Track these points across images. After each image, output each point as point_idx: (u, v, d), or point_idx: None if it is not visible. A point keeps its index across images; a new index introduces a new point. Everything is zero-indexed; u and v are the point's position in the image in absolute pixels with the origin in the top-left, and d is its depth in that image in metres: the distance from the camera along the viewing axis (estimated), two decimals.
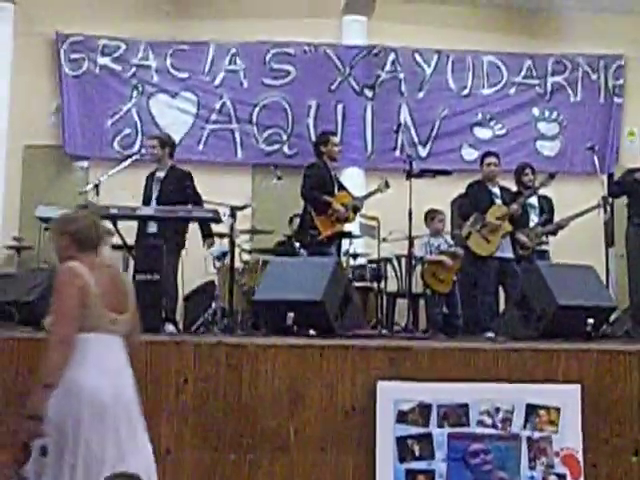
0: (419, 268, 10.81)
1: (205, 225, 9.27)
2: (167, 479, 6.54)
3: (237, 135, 13.36)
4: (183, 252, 9.25)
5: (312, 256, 9.03)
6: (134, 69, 13.37)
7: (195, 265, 10.07)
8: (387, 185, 9.42)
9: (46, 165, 13.24)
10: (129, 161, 9.73)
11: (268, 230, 11.13)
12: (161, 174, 9.48)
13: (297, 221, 11.05)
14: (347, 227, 9.84)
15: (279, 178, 10.82)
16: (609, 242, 10.48)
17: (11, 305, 8.30)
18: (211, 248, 9.73)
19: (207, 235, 9.41)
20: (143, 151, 9.63)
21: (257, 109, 13.40)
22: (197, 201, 9.33)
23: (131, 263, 9.28)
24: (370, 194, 9.52)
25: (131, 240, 9.01)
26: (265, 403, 6.63)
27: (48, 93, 13.32)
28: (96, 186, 9.36)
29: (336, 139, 9.86)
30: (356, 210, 9.49)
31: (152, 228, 8.96)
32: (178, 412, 6.61)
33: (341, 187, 9.55)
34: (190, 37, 13.44)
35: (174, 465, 6.57)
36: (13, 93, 13.23)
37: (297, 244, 10.49)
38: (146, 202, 9.23)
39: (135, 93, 13.33)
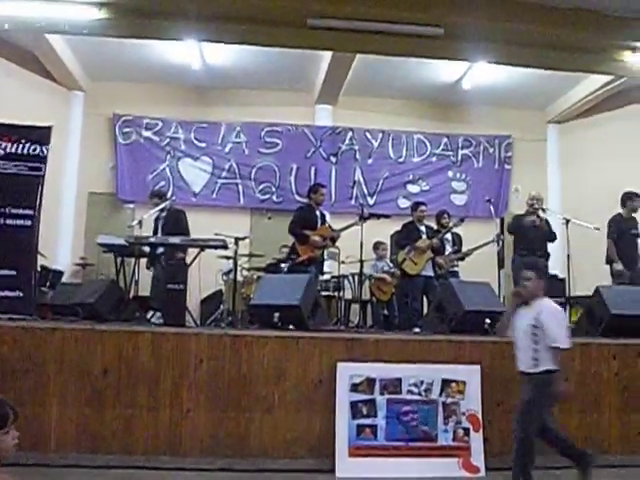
0: (367, 282, 10.84)
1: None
2: (188, 430, 6.54)
3: (240, 187, 13.36)
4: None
5: (294, 273, 8.97)
6: (168, 140, 13.36)
7: (209, 278, 10.05)
8: (364, 220, 9.35)
9: (104, 206, 13.20)
10: (163, 204, 9.72)
11: (261, 254, 11.12)
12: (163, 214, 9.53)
13: (284, 250, 11.12)
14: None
15: (269, 218, 10.85)
16: (500, 265, 10.55)
17: (77, 306, 8.25)
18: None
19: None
20: (174, 198, 9.61)
21: (254, 169, 13.41)
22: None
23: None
24: (345, 227, 9.40)
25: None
26: (257, 377, 6.62)
27: (106, 156, 13.29)
28: (140, 222, 9.35)
29: (323, 190, 9.80)
30: (334, 240, 9.42)
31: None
32: (196, 383, 6.59)
33: (324, 223, 9.48)
34: (208, 118, 13.47)
35: (193, 420, 6.54)
36: (82, 155, 13.22)
37: (282, 265, 10.49)
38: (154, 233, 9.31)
39: (168, 157, 13.32)
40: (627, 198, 9.55)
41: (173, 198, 10.21)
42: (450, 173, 14.03)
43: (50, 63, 12.01)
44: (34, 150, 8.24)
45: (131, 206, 11.95)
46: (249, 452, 6.49)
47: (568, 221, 9.48)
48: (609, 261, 9.36)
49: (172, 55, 11.91)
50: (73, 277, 12.17)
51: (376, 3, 9.22)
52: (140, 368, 6.63)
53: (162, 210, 9.57)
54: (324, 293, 10.53)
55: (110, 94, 13.33)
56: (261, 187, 13.40)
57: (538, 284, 5.67)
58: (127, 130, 13.31)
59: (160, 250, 9.08)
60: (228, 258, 9.84)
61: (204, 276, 9.58)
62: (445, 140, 14.09)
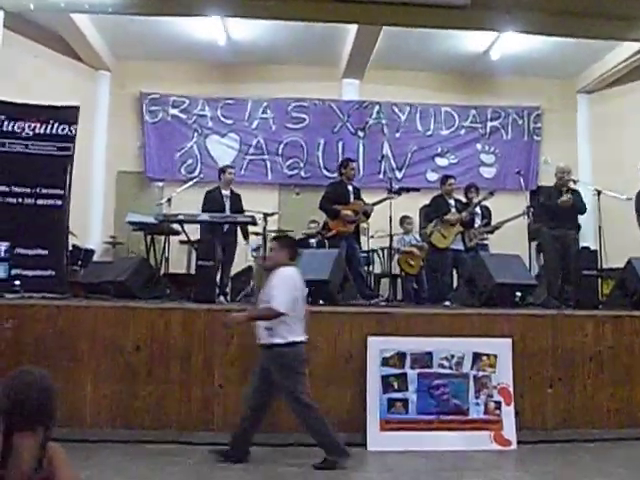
0: (396, 256, 10.83)
1: (244, 229, 9.31)
2: (220, 405, 6.60)
3: (268, 163, 13.35)
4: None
5: (331, 248, 8.94)
6: (195, 117, 13.36)
7: (240, 255, 10.08)
8: (396, 194, 9.29)
9: (133, 185, 13.26)
10: (192, 182, 9.75)
11: (290, 230, 11.12)
12: (227, 192, 9.52)
13: (313, 225, 11.12)
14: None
15: (297, 194, 10.83)
16: (531, 238, 10.48)
17: (109, 284, 8.32)
18: (248, 244, 9.76)
19: (245, 235, 9.45)
20: (201, 175, 9.63)
21: (282, 145, 13.38)
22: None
23: (193, 254, 9.36)
24: (379, 202, 9.31)
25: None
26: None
27: (134, 134, 13.33)
28: (169, 200, 9.40)
29: (354, 164, 9.72)
30: (367, 214, 9.37)
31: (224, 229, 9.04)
32: (227, 359, 6.65)
33: (357, 197, 9.43)
34: (234, 95, 13.44)
35: (224, 396, 6.61)
36: (109, 134, 13.28)
37: (311, 240, 10.50)
38: (219, 210, 9.25)
39: (196, 134, 13.32)
40: None
41: (201, 176, 10.19)
42: (479, 145, 13.89)
43: (76, 43, 12.04)
44: (62, 130, 8.31)
45: (160, 184, 11.98)
46: (281, 427, 6.54)
47: (599, 192, 9.35)
48: None
49: (197, 32, 11.88)
50: (104, 255, 12.26)
51: None
52: (172, 344, 6.71)
53: (221, 190, 9.55)
54: None
55: (136, 73, 13.35)
56: (289, 163, 13.38)
57: (280, 254, 5.85)
58: (154, 108, 13.34)
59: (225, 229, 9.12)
60: (257, 234, 9.86)
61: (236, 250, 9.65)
62: (473, 112, 13.95)
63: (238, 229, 9.34)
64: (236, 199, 9.60)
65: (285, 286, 5.62)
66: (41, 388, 2.64)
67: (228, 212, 9.29)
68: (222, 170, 9.88)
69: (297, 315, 5.68)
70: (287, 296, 5.56)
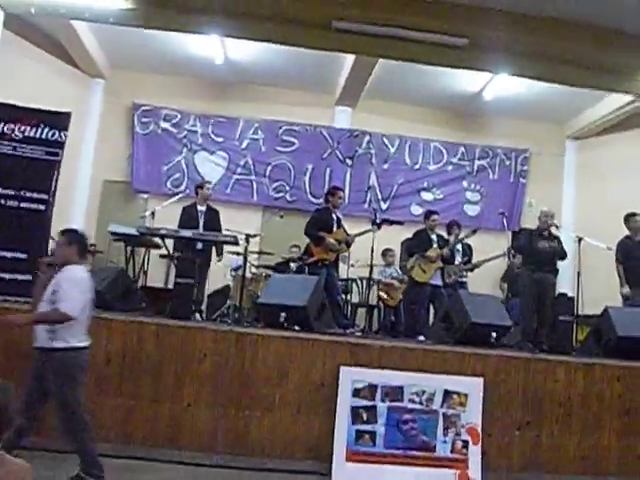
0: (376, 287, 10.86)
1: (219, 246, 9.34)
2: (188, 423, 6.56)
3: (254, 184, 13.36)
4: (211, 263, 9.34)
5: (310, 274, 8.95)
6: (185, 132, 13.37)
7: (218, 273, 10.08)
8: (378, 227, 9.32)
9: (118, 195, 13.21)
10: (177, 197, 9.74)
11: (271, 252, 11.13)
12: (202, 208, 9.54)
13: (294, 249, 11.14)
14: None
15: (281, 217, 10.82)
16: (504, 280, 10.55)
17: None
18: (220, 261, 9.80)
19: (218, 252, 9.48)
20: (187, 191, 9.64)
21: (270, 167, 13.40)
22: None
23: (172, 269, 9.35)
24: (361, 233, 9.34)
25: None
26: (260, 375, 6.66)
27: (123, 144, 13.31)
28: (152, 213, 9.39)
29: (341, 193, 9.79)
30: (348, 244, 9.38)
31: (198, 245, 9.01)
32: (198, 378, 6.63)
33: (339, 226, 9.44)
34: (226, 113, 13.47)
35: (193, 414, 6.58)
36: (99, 143, 13.25)
37: (291, 264, 10.52)
38: (193, 226, 9.23)
39: (185, 149, 13.32)
40: (626, 219, 9.57)
41: (187, 192, 10.19)
42: (465, 183, 13.98)
43: (73, 49, 12.05)
44: (52, 135, 8.29)
45: (145, 196, 11.94)
46: (247, 450, 6.53)
47: (581, 239, 9.44)
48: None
49: (195, 48, 11.94)
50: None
51: (402, 10, 9.22)
52: (143, 359, 6.68)
53: (197, 205, 9.56)
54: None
55: (131, 83, 13.36)
56: (275, 185, 13.40)
57: (68, 250, 5.42)
58: (145, 120, 13.34)
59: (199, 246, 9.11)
60: (238, 254, 9.85)
61: (213, 270, 9.64)
62: (462, 149, 14.05)
63: (213, 247, 9.38)
64: (213, 215, 9.64)
65: (77, 289, 5.23)
66: None
67: (201, 228, 9.33)
68: (199, 186, 9.95)
69: (83, 319, 5.30)
70: (79, 300, 5.20)
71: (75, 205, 12.88)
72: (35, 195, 8.07)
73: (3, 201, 8.03)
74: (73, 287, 5.20)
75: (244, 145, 13.47)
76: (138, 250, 9.78)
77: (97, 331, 6.69)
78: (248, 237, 9.14)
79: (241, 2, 9.34)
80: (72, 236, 5.57)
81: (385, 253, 11.13)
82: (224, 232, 9.34)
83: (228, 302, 10.05)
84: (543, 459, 6.87)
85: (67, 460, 6.09)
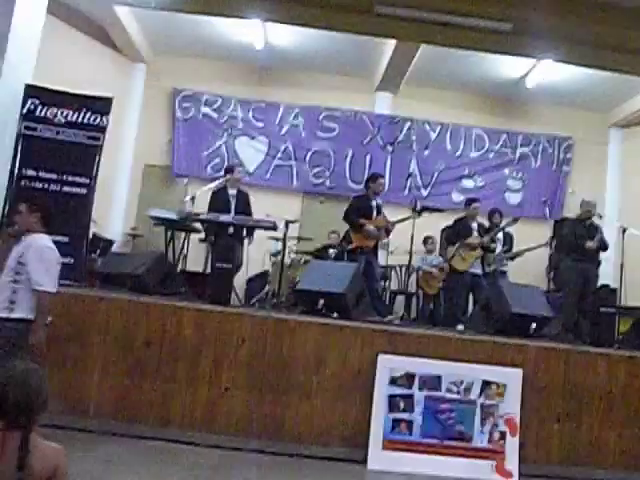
0: (415, 275, 10.81)
1: (249, 230, 9.26)
2: (225, 408, 6.60)
3: (294, 170, 13.34)
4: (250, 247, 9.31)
5: (350, 261, 8.92)
6: (226, 117, 13.39)
7: (257, 258, 10.09)
8: (419, 214, 9.25)
9: (158, 179, 13.31)
10: (217, 182, 9.75)
11: (310, 238, 11.13)
12: (233, 192, 9.50)
13: (333, 235, 11.11)
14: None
15: (321, 202, 10.82)
16: (551, 268, 10.41)
17: (125, 276, 8.34)
18: (251, 243, 9.55)
19: (249, 234, 9.38)
20: (228, 176, 9.62)
21: (310, 153, 13.37)
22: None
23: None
24: (401, 220, 9.26)
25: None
26: (297, 362, 6.65)
27: (164, 129, 13.38)
28: (192, 198, 9.41)
29: (382, 180, 9.67)
30: (388, 231, 9.32)
31: (230, 230, 8.95)
32: (236, 362, 6.65)
33: (379, 213, 9.35)
34: (267, 98, 13.46)
35: (230, 399, 6.60)
36: (140, 127, 13.35)
37: (330, 250, 10.49)
38: (224, 210, 9.19)
39: (225, 134, 13.35)
40: None
41: (227, 177, 10.15)
42: (507, 171, 13.81)
43: (115, 34, 12.12)
44: (94, 120, 8.36)
45: (185, 181, 12.00)
46: (283, 436, 6.54)
47: (625, 230, 9.28)
48: None
49: (235, 33, 11.93)
50: (123, 247, 12.32)
51: None
52: (182, 343, 6.72)
53: (227, 189, 9.53)
54: None
55: (172, 68, 13.42)
56: (315, 171, 13.37)
57: (29, 217, 5.14)
58: (186, 105, 13.40)
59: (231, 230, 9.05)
60: (277, 239, 9.86)
61: (252, 255, 9.64)
62: (504, 137, 13.88)
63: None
64: (243, 199, 9.56)
65: (48, 262, 5.03)
66: (22, 385, 2.47)
67: (233, 212, 9.27)
68: (229, 169, 9.85)
69: None
70: (52, 273, 5.03)
71: (116, 189, 13.01)
72: (77, 179, 8.16)
73: (46, 185, 8.13)
74: (44, 260, 5.01)
75: (284, 130, 13.46)
76: (178, 234, 9.83)
77: (137, 315, 6.79)
78: (288, 223, 9.14)
79: None
80: (35, 203, 5.25)
81: (426, 241, 11.04)
82: (264, 217, 9.30)
83: (267, 287, 10.08)
84: (582, 452, 6.78)
85: (96, 441, 6.20)
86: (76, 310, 6.79)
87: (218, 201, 9.38)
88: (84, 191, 8.18)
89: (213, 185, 9.70)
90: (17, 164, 8.21)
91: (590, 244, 8.71)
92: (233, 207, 9.36)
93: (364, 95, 13.57)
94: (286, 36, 11.87)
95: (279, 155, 13.39)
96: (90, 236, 9.93)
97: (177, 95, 13.40)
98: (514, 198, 13.70)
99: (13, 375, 2.50)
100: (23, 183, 8.17)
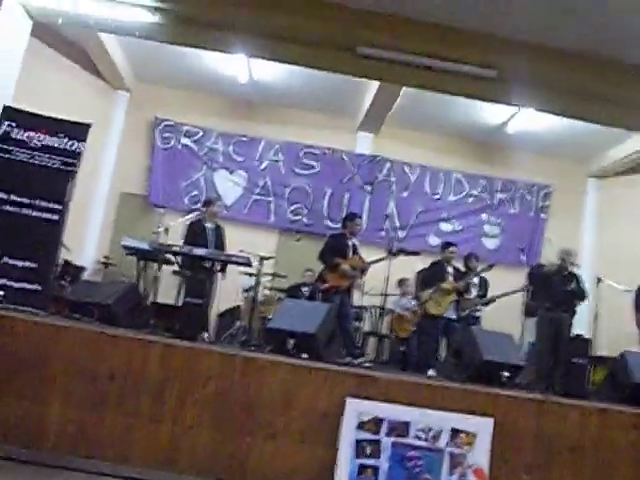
0: (389, 317, 10.72)
1: (223, 265, 9.17)
2: (187, 448, 6.41)
3: (272, 206, 13.28)
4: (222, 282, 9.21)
5: (323, 301, 8.82)
6: (206, 149, 13.35)
7: (229, 293, 9.97)
8: (394, 255, 9.20)
9: (135, 208, 13.18)
10: (192, 215, 9.65)
11: (284, 275, 11.03)
12: (211, 225, 9.42)
13: (308, 273, 11.01)
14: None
15: (298, 240, 10.77)
16: (527, 314, 10.35)
17: (94, 305, 8.18)
18: (224, 279, 9.52)
19: (222, 270, 9.31)
20: (206, 208, 9.54)
21: (288, 189, 13.33)
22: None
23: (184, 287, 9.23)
24: (376, 261, 9.22)
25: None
26: (264, 402, 6.49)
27: (143, 158, 13.30)
28: (166, 229, 9.30)
29: (359, 220, 9.65)
30: (363, 271, 9.24)
31: (207, 264, 8.86)
32: (201, 400, 6.47)
33: (355, 253, 9.30)
34: (248, 132, 13.44)
35: (194, 437, 6.42)
36: (119, 155, 13.27)
37: (303, 289, 10.40)
38: (201, 244, 9.07)
39: (204, 167, 13.30)
40: None
41: (203, 209, 10.06)
42: (484, 216, 13.85)
43: (99, 60, 12.08)
44: (71, 146, 8.24)
45: (162, 211, 11.89)
46: (247, 477, 6.36)
47: (599, 280, 9.28)
48: None
49: (220, 66, 11.94)
50: (94, 275, 12.16)
51: (430, 39, 9.15)
52: (147, 377, 6.53)
53: (204, 222, 9.44)
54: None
55: (154, 97, 13.38)
56: (293, 208, 13.31)
57: None
58: (167, 135, 13.33)
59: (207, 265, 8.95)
60: (251, 275, 9.76)
61: (224, 290, 9.52)
62: (483, 182, 13.94)
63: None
64: (220, 233, 9.50)
65: None
66: None
67: (212, 246, 9.17)
68: (209, 202, 9.78)
69: None
70: None
71: (91, 216, 12.89)
72: (49, 205, 8.00)
73: (17, 208, 7.98)
74: None
75: (264, 166, 13.43)
76: (151, 265, 9.69)
77: (102, 346, 6.61)
78: (262, 259, 9.06)
79: (268, 23, 9.31)
80: None
81: (401, 283, 10.99)
82: (238, 252, 9.21)
83: (238, 323, 9.96)
84: None
85: (52, 476, 6.00)
86: (39, 338, 6.59)
87: (194, 234, 9.28)
88: (55, 217, 8.01)
89: (189, 217, 9.61)
90: None
91: (572, 286, 8.69)
92: (211, 241, 9.27)
93: (346, 134, 13.59)
94: (270, 72, 11.90)
95: (257, 190, 13.34)
96: (61, 262, 9.78)
97: (158, 124, 13.34)
98: (491, 243, 13.72)
99: None
100: None
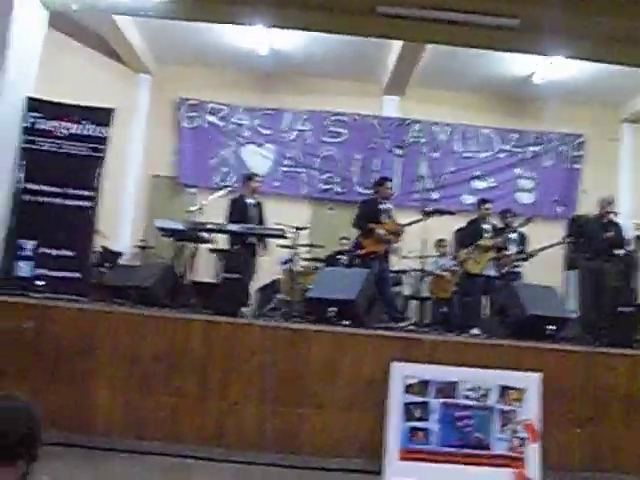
0: (428, 279, 10.63)
1: (263, 239, 9.13)
2: (234, 424, 6.43)
3: (303, 176, 13.20)
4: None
5: (361, 267, 8.74)
6: (232, 126, 13.28)
7: (267, 266, 9.93)
8: (429, 216, 9.11)
9: (166, 190, 13.20)
10: (224, 191, 9.63)
11: (320, 245, 10.97)
12: (251, 200, 9.40)
13: (344, 241, 10.94)
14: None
15: (331, 209, 10.69)
16: (568, 267, 10.20)
17: (133, 289, 8.22)
18: (266, 255, 9.50)
19: (264, 247, 9.27)
20: (236, 184, 9.51)
21: (318, 159, 13.23)
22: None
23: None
24: (410, 223, 9.11)
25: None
26: (309, 372, 6.50)
27: (170, 139, 13.29)
28: (200, 208, 9.28)
29: (390, 183, 9.54)
30: (398, 234, 9.15)
31: (247, 240, 8.85)
32: (245, 375, 6.49)
33: (389, 217, 9.20)
34: (273, 105, 13.34)
35: (239, 413, 6.44)
36: (146, 138, 13.26)
37: (341, 257, 10.35)
38: (243, 219, 9.08)
39: (232, 143, 13.24)
40: None
41: (235, 185, 10.05)
42: (518, 170, 13.61)
43: (118, 45, 12.02)
44: (96, 131, 8.26)
45: (193, 190, 11.90)
46: (297, 448, 6.37)
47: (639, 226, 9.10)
48: None
49: (239, 40, 11.82)
50: (132, 259, 12.21)
51: None
52: (191, 356, 6.56)
53: (245, 198, 9.43)
54: None
55: (176, 77, 13.32)
56: (324, 177, 13.21)
57: None
58: (192, 114, 13.29)
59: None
60: (287, 247, 9.71)
61: (262, 264, 9.50)
62: (515, 136, 13.69)
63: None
64: (261, 208, 9.48)
65: None
66: (27, 418, 2.40)
67: (251, 221, 9.14)
68: (248, 177, 9.75)
69: None
70: None
71: (124, 200, 12.92)
72: (80, 192, 8.06)
73: (49, 199, 8.03)
74: None
75: (292, 137, 13.33)
76: (187, 245, 9.70)
77: (144, 328, 6.65)
78: (297, 230, 9.01)
79: None
80: None
81: (438, 244, 10.87)
82: (271, 224, 9.19)
83: (277, 296, 9.94)
84: (606, 457, 6.56)
85: (104, 459, 6.05)
86: (83, 325, 6.65)
87: (236, 209, 9.27)
88: (87, 204, 8.06)
89: (220, 194, 9.59)
90: (20, 179, 8.11)
91: (610, 234, 8.53)
92: (252, 217, 9.25)
93: (371, 99, 13.42)
94: (290, 41, 11.75)
95: (287, 162, 13.25)
96: (99, 249, 9.84)
97: (182, 104, 13.30)
98: (526, 198, 13.50)
99: (18, 407, 2.39)
100: (27, 198, 8.07)
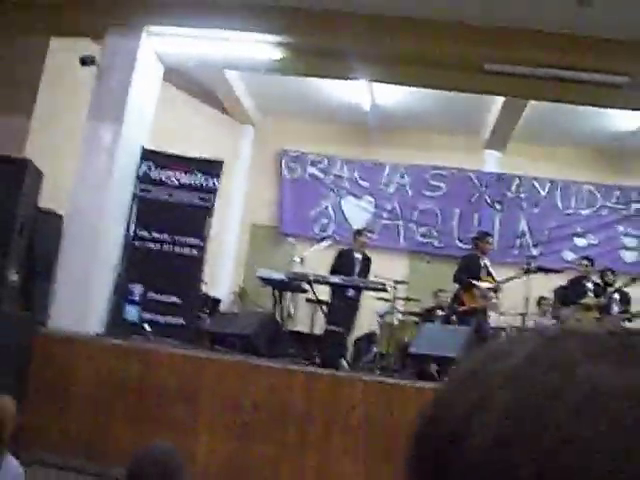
0: None
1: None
2: (335, 476, 6.37)
3: (401, 229, 13.19)
4: None
5: (460, 323, 8.67)
6: (332, 177, 13.43)
7: (363, 319, 9.92)
8: (530, 273, 8.98)
9: (265, 238, 13.40)
10: (326, 243, 9.72)
11: (417, 299, 10.89)
12: (359, 255, 9.45)
13: (441, 294, 10.84)
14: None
15: (428, 262, 10.63)
16: None
17: (234, 336, 8.31)
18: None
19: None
20: (335, 236, 9.59)
21: (417, 212, 13.21)
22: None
23: (318, 314, 9.26)
24: (509, 279, 9.03)
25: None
26: (411, 427, 6.39)
27: (271, 189, 13.52)
28: (302, 259, 9.38)
29: (490, 239, 9.53)
30: (496, 291, 9.06)
31: (349, 293, 8.89)
32: (347, 428, 6.43)
33: (488, 273, 9.13)
34: (372, 158, 13.44)
35: (341, 466, 6.38)
36: (248, 188, 13.53)
37: (439, 311, 10.25)
38: (348, 272, 9.14)
39: (332, 194, 13.38)
40: None
41: (335, 237, 10.13)
42: (621, 227, 13.24)
43: (225, 97, 12.39)
44: (206, 182, 8.48)
45: (293, 240, 12.03)
46: None
47: None
48: None
49: (342, 93, 11.99)
50: (230, 306, 12.38)
51: (556, 49, 8.87)
52: (291, 406, 6.57)
53: (353, 252, 9.53)
54: None
55: (278, 129, 13.59)
56: (422, 230, 13.17)
57: None
58: (293, 165, 13.51)
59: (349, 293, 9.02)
60: (385, 300, 9.69)
61: (359, 316, 9.50)
62: (617, 192, 13.35)
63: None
64: (367, 263, 9.51)
65: None
66: (160, 465, 2.46)
67: (356, 275, 9.17)
68: (358, 232, 9.82)
69: None
70: None
71: (224, 248, 13.14)
72: (189, 240, 8.26)
73: (159, 245, 8.25)
74: None
75: (391, 190, 13.36)
76: (285, 294, 9.79)
77: (245, 376, 6.71)
78: (396, 283, 8.99)
79: (388, 47, 9.26)
80: None
81: (540, 302, 10.64)
82: (371, 278, 9.21)
83: (374, 349, 9.89)
84: None
85: None
86: (186, 370, 6.76)
87: (343, 262, 9.34)
88: (195, 252, 8.25)
89: (321, 245, 9.68)
90: (132, 225, 8.39)
91: None
92: (357, 271, 9.30)
93: (471, 154, 13.36)
94: (392, 95, 11.85)
95: (385, 215, 13.27)
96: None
97: (284, 156, 13.54)
98: (630, 256, 13.08)
99: (153, 454, 2.52)
100: (137, 244, 8.33)
